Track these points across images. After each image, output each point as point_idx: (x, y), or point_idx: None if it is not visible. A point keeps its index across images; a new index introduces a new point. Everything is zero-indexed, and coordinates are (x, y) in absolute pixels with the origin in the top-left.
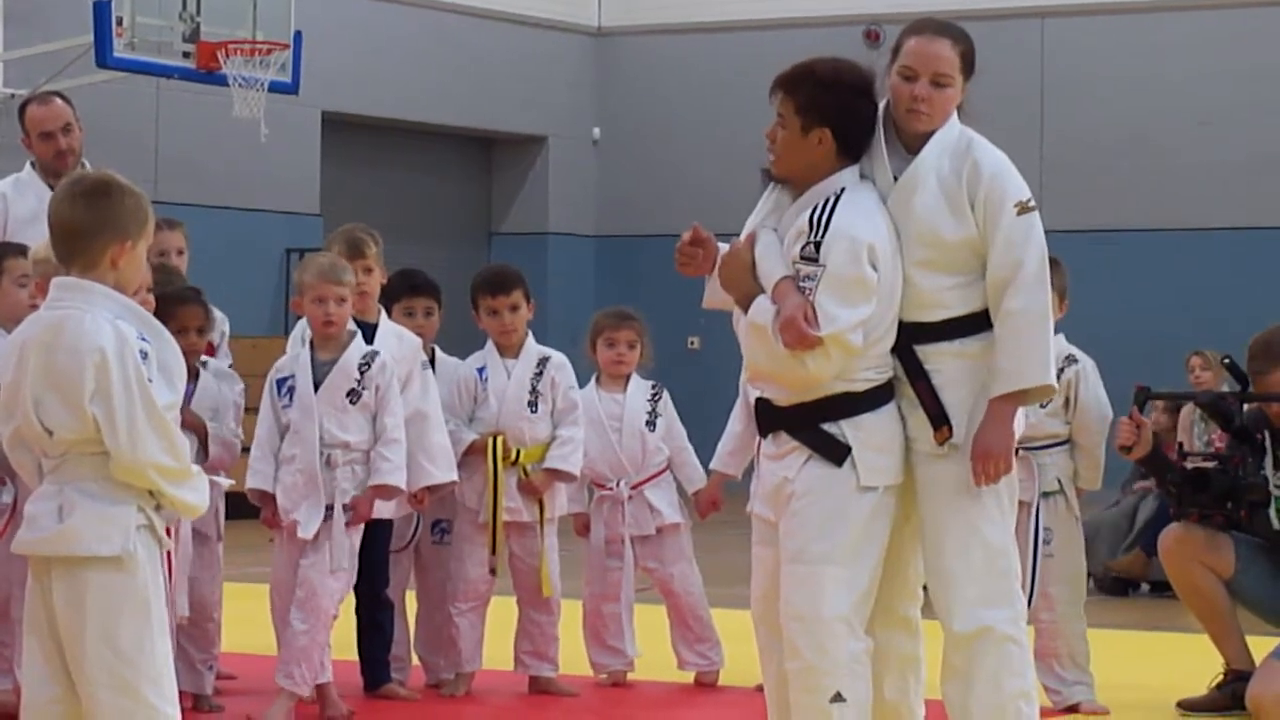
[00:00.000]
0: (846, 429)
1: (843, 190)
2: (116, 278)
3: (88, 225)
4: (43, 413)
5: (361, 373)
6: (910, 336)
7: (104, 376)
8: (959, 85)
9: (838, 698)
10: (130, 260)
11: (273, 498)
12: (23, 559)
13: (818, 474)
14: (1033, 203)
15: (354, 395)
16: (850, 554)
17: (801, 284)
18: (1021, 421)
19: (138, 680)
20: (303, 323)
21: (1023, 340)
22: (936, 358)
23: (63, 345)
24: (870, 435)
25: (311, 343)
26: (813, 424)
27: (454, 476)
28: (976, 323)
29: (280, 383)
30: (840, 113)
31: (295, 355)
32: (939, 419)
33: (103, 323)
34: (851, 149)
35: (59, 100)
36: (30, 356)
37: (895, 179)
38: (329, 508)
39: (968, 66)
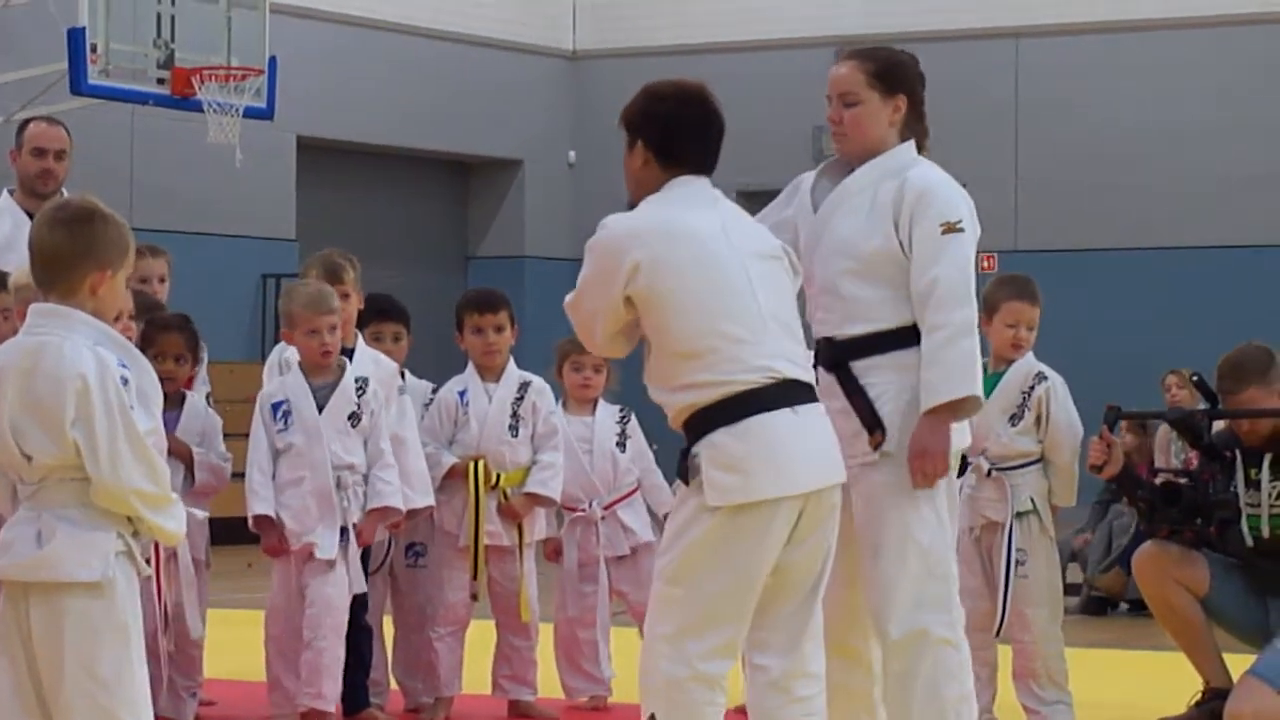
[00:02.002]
0: (702, 448)
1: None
2: (95, 305)
3: (68, 252)
4: (21, 439)
5: (359, 396)
6: (844, 353)
7: (85, 403)
8: (874, 102)
9: (651, 718)
10: (110, 289)
11: (276, 524)
12: None
13: (680, 493)
14: (962, 225)
15: (355, 418)
16: (686, 574)
17: None
18: (967, 433)
19: (116, 708)
20: (278, 349)
21: (943, 354)
22: (872, 372)
23: (42, 371)
24: (719, 453)
25: (301, 367)
26: (688, 445)
27: (431, 501)
28: (909, 336)
29: (275, 407)
30: (644, 119)
31: (286, 381)
32: (873, 425)
33: (83, 349)
34: (675, 157)
35: (63, 128)
36: (8, 383)
37: (816, 208)
38: (343, 529)
39: (883, 83)
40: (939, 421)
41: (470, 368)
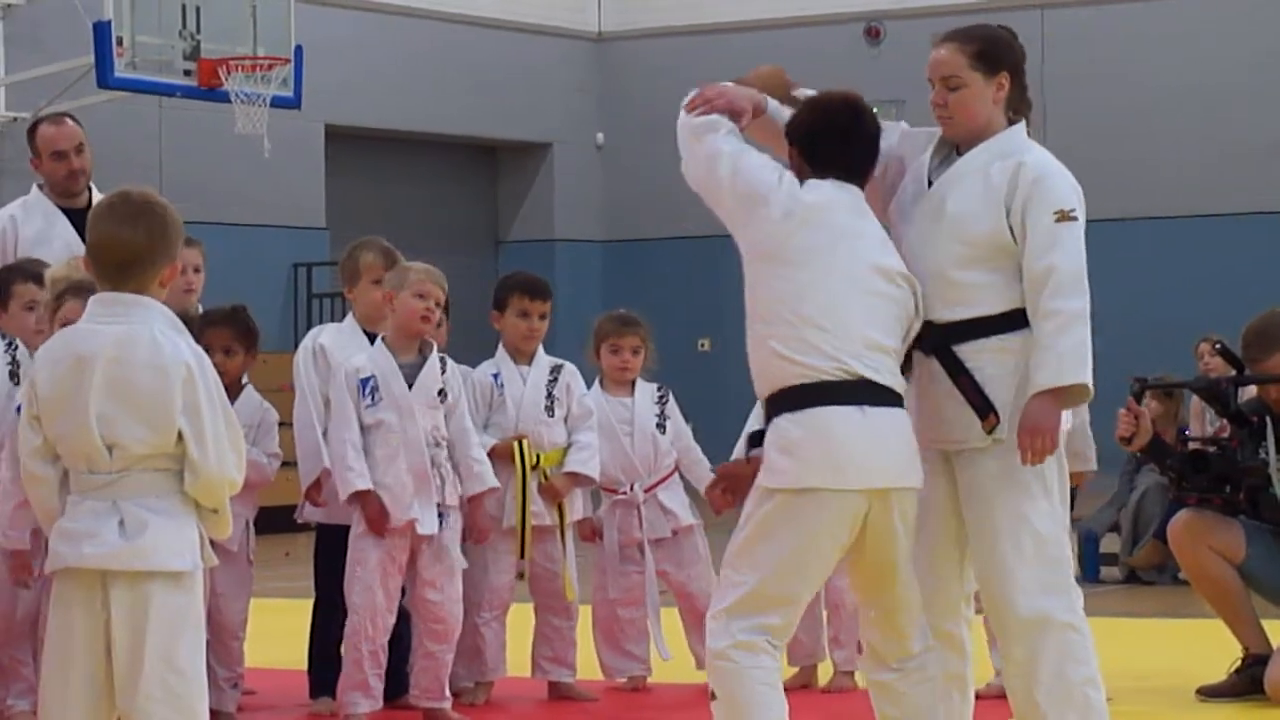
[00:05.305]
0: (770, 429)
1: None
2: (157, 295)
3: (148, 249)
4: (107, 427)
5: (442, 374)
6: (947, 336)
7: (191, 392)
8: (978, 84)
9: (712, 695)
10: (169, 279)
11: (375, 499)
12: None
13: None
14: (1075, 213)
15: (443, 394)
16: (743, 555)
17: None
18: (1067, 418)
19: (192, 694)
20: (312, 335)
21: (1057, 340)
22: (977, 355)
23: (139, 360)
24: (779, 436)
25: (386, 345)
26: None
27: (495, 483)
28: (1016, 319)
29: (363, 383)
30: (796, 130)
31: (372, 357)
32: (984, 409)
33: (178, 340)
34: (819, 165)
35: (70, 121)
36: (95, 370)
37: (930, 184)
38: (439, 510)
39: (985, 63)
40: (1047, 404)
41: (501, 351)
